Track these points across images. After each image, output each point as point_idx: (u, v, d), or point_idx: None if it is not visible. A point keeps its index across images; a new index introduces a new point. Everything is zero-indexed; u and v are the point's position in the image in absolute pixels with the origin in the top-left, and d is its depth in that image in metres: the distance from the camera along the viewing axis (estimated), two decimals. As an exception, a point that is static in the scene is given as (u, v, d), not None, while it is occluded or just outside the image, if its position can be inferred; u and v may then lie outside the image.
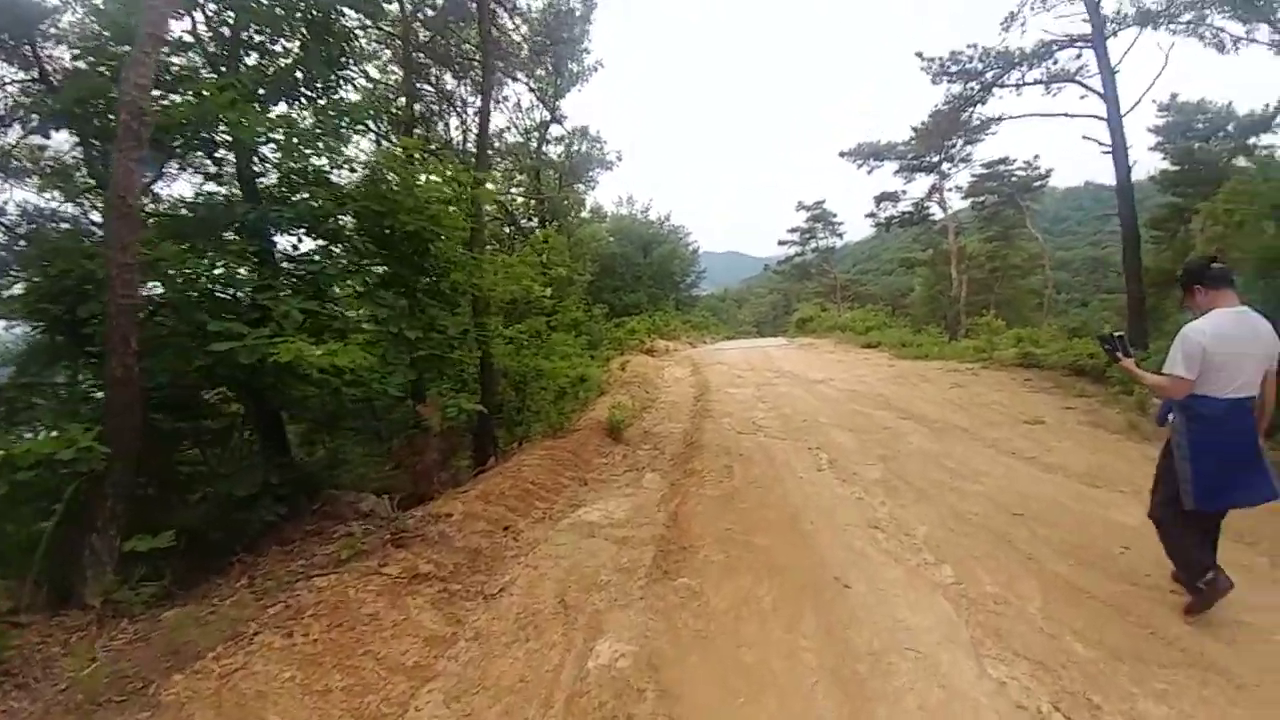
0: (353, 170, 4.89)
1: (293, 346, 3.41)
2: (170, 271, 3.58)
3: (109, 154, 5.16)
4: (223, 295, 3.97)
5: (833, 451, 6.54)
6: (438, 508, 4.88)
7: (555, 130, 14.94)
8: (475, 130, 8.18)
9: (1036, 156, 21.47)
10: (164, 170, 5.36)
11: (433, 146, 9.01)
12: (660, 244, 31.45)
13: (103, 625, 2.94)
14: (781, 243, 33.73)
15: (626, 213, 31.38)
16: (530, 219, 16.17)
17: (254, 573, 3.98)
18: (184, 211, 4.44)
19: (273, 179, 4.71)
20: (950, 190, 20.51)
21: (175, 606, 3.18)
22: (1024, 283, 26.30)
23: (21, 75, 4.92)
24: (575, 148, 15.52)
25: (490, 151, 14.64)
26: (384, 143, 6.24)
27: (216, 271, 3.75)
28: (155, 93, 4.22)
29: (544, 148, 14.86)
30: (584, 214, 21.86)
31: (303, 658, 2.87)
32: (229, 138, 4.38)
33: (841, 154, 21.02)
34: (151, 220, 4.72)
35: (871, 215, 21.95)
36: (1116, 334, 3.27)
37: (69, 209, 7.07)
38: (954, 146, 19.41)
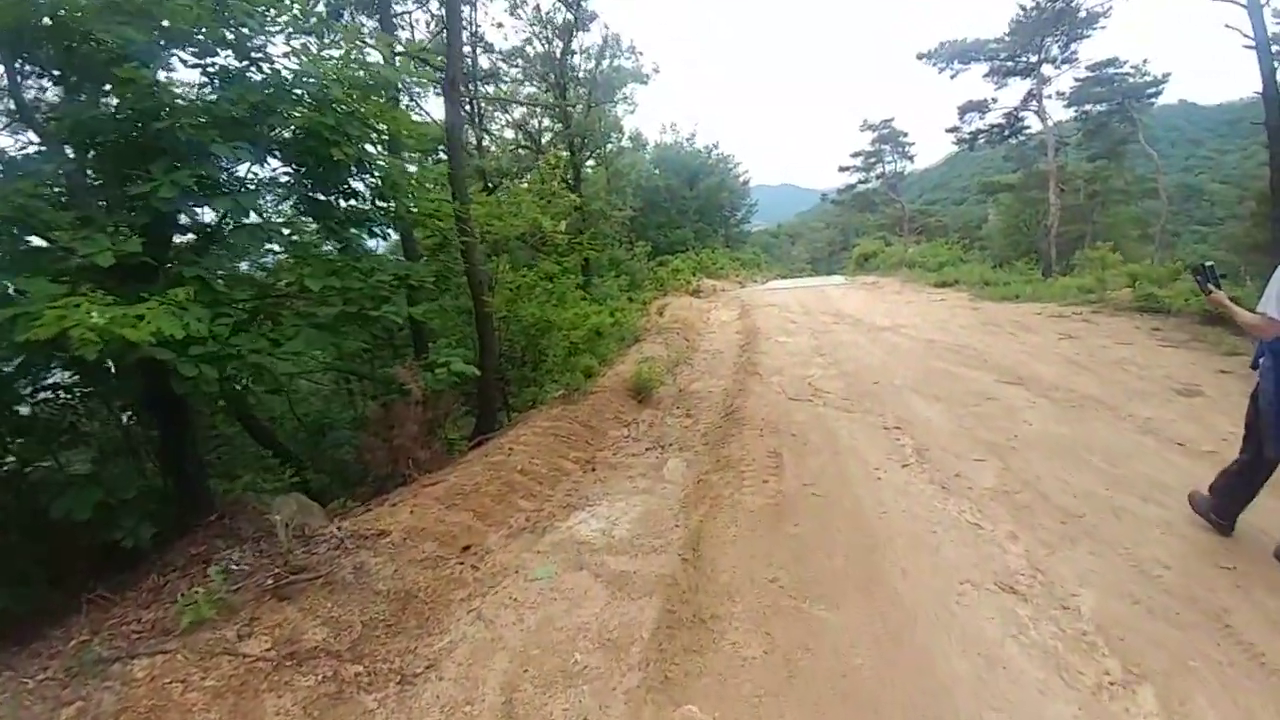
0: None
1: (55, 315, 2.03)
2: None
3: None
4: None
5: (919, 433, 4.80)
6: (372, 520, 3.56)
7: (581, 42, 12.69)
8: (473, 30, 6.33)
9: (1145, 61, 17.13)
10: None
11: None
12: (708, 175, 28.67)
13: None
14: (843, 168, 30.05)
15: (671, 141, 28.62)
16: (558, 146, 14.23)
17: (100, 624, 2.78)
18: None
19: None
20: (1050, 98, 16.77)
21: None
22: (1126, 210, 22.27)
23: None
24: (606, 60, 13.27)
25: (508, 65, 12.68)
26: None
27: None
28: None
29: (569, 59, 12.69)
30: (623, 141, 19.54)
31: None
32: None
33: (920, 56, 17.50)
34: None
35: (954, 130, 18.44)
36: (1206, 264, 2.99)
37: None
38: (1056, 43, 15.61)
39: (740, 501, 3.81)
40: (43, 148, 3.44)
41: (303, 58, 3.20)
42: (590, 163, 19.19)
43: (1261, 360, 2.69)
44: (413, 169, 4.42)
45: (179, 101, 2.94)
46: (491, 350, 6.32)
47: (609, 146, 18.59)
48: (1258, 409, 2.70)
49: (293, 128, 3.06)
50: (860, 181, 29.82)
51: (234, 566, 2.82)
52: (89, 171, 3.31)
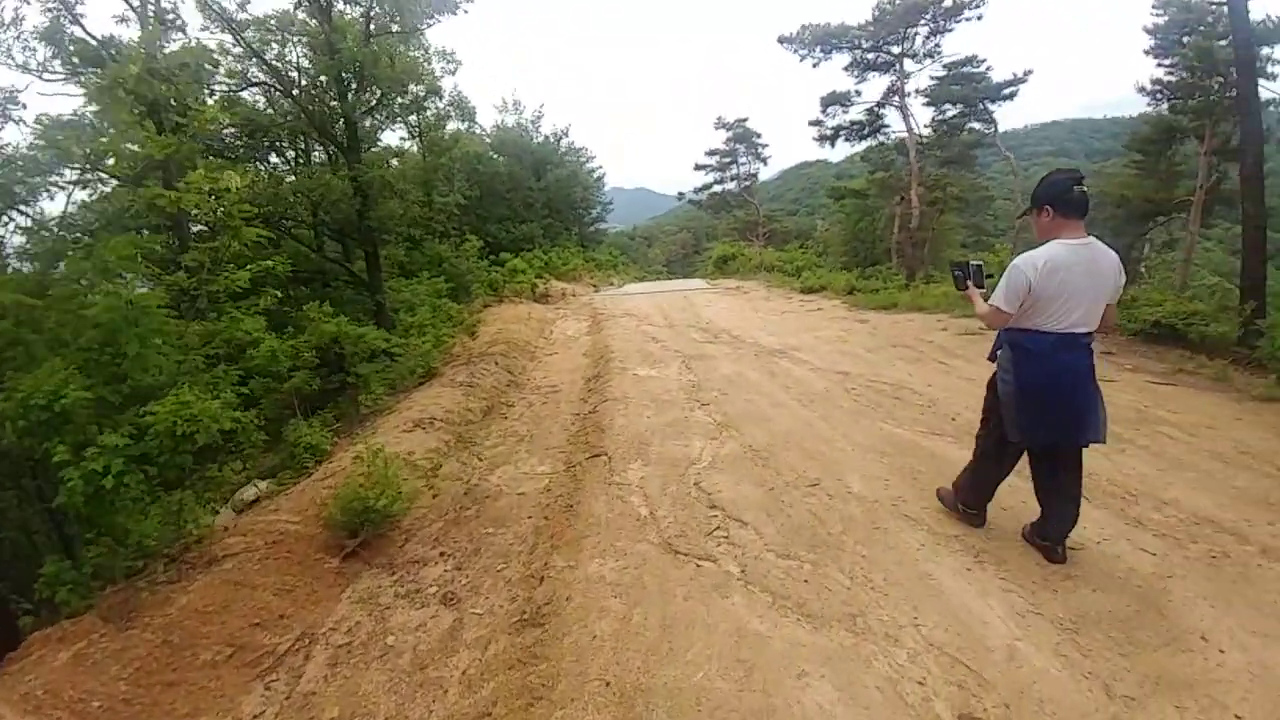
0: None
1: None
2: None
3: None
4: None
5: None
6: None
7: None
8: None
9: (988, 68, 16.70)
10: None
11: None
12: (557, 166, 24.83)
13: None
14: (699, 167, 27.98)
15: (512, 123, 24.31)
16: (329, 95, 9.56)
17: None
18: None
19: None
20: (910, 95, 15.62)
21: None
22: (953, 219, 22.58)
23: None
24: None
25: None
26: None
27: None
28: None
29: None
30: (443, 106, 14.95)
31: None
32: None
33: (781, 40, 15.45)
34: None
35: (818, 123, 16.77)
36: (974, 263, 2.69)
37: None
38: (919, 34, 14.36)
39: None
40: None
41: None
42: (401, 133, 14.40)
43: (1000, 351, 2.54)
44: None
45: None
46: None
47: (427, 112, 14.01)
48: (996, 397, 2.56)
49: None
50: (716, 182, 28.03)
51: None
52: None
